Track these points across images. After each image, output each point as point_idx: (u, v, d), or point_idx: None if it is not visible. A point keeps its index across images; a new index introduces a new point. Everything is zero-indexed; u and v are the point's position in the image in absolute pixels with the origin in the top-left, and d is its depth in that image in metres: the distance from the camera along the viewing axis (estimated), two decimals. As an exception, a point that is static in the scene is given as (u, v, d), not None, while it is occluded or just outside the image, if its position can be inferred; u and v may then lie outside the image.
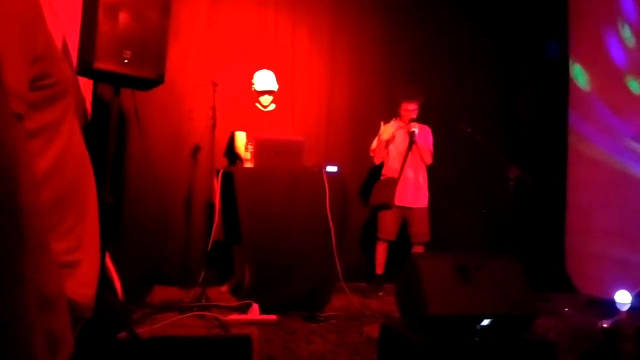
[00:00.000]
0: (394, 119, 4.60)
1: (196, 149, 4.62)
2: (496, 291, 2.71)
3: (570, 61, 5.36)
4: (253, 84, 4.43)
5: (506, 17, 5.43)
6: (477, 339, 2.62)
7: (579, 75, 5.23)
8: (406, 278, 2.82)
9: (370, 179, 4.88)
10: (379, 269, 4.53)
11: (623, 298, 3.45)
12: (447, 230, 5.11)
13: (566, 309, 4.09)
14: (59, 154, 0.89)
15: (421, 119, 4.57)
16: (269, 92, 4.39)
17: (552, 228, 5.32)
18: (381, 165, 4.63)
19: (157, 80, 2.73)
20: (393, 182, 4.43)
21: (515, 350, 2.69)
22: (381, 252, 4.52)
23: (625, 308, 3.38)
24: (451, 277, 2.70)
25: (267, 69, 4.50)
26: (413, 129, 4.42)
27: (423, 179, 4.56)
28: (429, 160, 4.56)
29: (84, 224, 0.95)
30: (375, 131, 4.54)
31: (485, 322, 2.65)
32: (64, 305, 0.82)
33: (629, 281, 4.01)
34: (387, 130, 4.47)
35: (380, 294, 4.40)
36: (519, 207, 4.49)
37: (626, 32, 4.68)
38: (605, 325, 3.40)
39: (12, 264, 0.71)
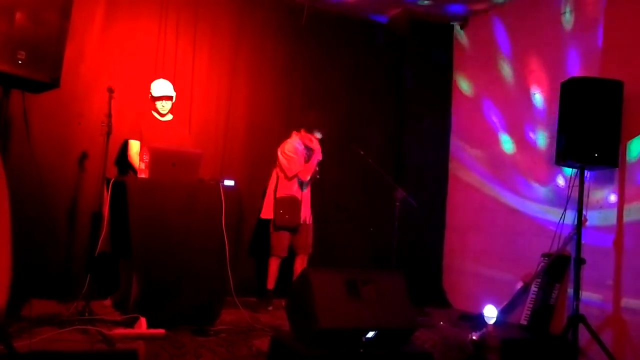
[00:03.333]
0: (294, 132, 4.72)
1: (83, 156, 4.42)
2: (381, 305, 2.91)
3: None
4: (150, 92, 4.35)
5: (399, 51, 5.81)
6: (361, 350, 2.78)
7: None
8: (298, 292, 2.93)
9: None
10: (271, 284, 4.60)
11: (490, 312, 3.82)
12: (336, 245, 5.32)
13: (441, 323, 4.41)
14: None
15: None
16: (166, 98, 4.33)
17: (432, 247, 5.70)
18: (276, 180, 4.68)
19: (51, 84, 2.64)
20: (297, 203, 4.56)
21: (396, 361, 2.90)
22: (274, 268, 4.60)
23: (492, 321, 3.75)
24: (341, 291, 2.85)
25: (166, 78, 4.46)
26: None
27: (308, 195, 4.73)
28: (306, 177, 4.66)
29: None
30: (272, 145, 4.70)
31: (370, 334, 2.83)
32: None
33: (495, 297, 4.43)
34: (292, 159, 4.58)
35: (270, 308, 4.47)
36: (404, 226, 4.78)
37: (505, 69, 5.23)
38: (474, 338, 3.75)
39: None
